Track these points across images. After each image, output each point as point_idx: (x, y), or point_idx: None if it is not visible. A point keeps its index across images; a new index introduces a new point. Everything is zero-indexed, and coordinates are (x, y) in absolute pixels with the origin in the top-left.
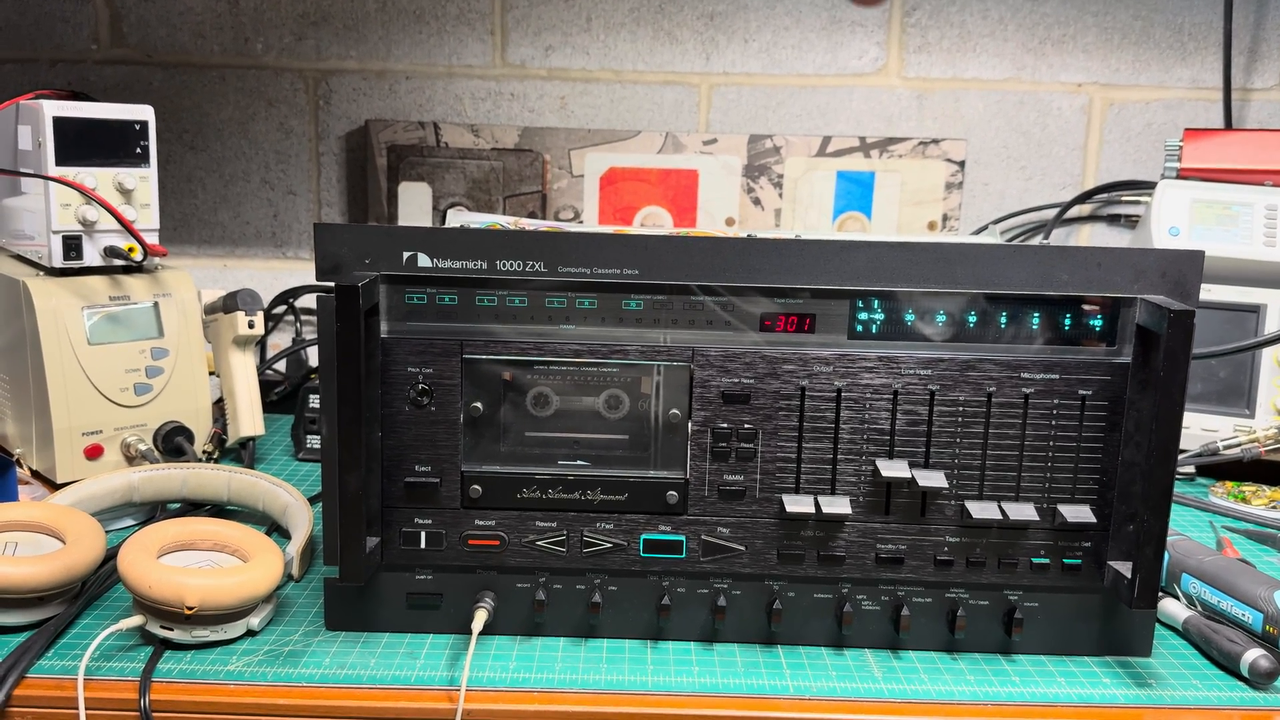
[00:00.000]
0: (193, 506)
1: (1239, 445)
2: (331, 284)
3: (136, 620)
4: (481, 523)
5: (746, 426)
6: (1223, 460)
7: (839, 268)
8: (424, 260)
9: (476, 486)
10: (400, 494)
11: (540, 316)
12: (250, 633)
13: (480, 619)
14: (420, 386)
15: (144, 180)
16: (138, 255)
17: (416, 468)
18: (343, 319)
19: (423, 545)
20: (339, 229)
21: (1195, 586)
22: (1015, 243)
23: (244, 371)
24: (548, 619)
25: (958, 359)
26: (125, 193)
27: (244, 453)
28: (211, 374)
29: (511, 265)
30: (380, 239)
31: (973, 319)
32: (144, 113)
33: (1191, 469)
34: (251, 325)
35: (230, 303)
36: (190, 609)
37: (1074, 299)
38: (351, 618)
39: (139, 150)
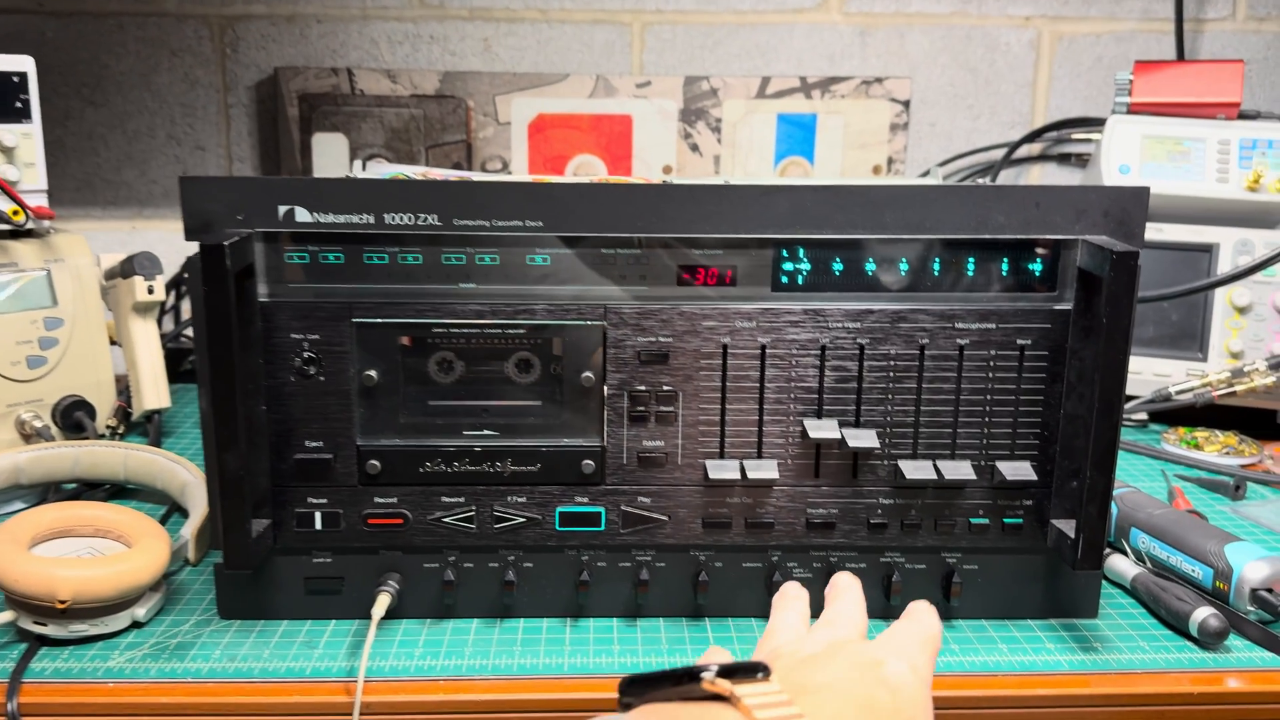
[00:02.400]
0: (89, 487)
1: (1191, 390)
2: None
3: (7, 616)
4: (382, 500)
5: (665, 388)
6: (1175, 406)
7: (760, 215)
8: (303, 215)
9: (374, 462)
10: (291, 472)
11: (437, 275)
12: (136, 624)
13: (382, 603)
14: (306, 355)
15: (26, 137)
16: (21, 219)
17: (307, 443)
18: (210, 282)
19: (319, 526)
20: (207, 182)
21: (1144, 541)
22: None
23: (146, 340)
24: (458, 600)
25: (888, 310)
26: (5, 151)
27: (150, 427)
28: (115, 344)
29: (402, 219)
30: (253, 192)
31: (904, 267)
32: (22, 63)
33: (1144, 415)
34: (151, 290)
35: (128, 267)
36: (63, 602)
37: (1011, 242)
38: (246, 605)
39: (19, 104)
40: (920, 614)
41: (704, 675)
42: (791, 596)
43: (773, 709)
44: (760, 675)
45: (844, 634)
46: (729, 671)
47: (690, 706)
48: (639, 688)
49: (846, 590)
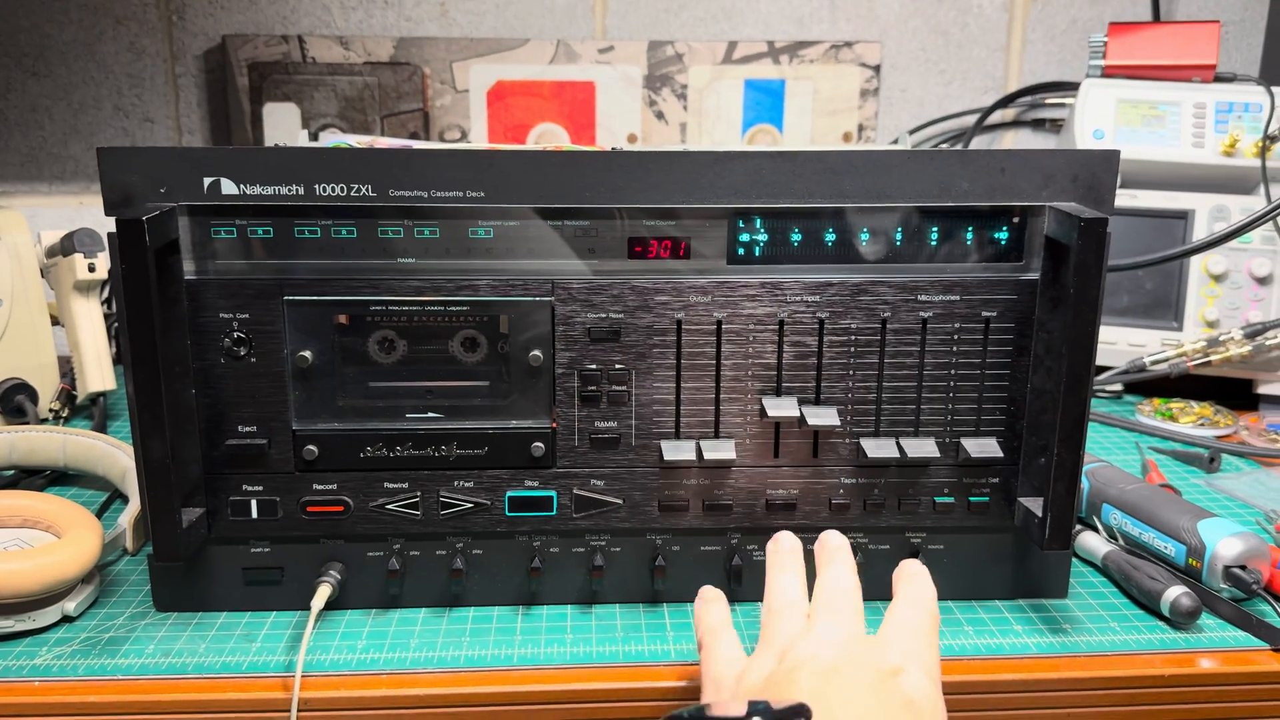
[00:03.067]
0: (28, 474)
1: (1166, 360)
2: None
3: None
4: (321, 487)
5: (618, 367)
6: (1150, 376)
7: (714, 183)
8: (229, 187)
9: (311, 447)
10: (224, 459)
11: (373, 249)
12: (67, 619)
13: (322, 594)
14: (235, 335)
15: None
16: None
17: (240, 428)
18: (128, 260)
19: (255, 515)
20: (127, 152)
21: (1116, 517)
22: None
23: (89, 320)
24: (405, 590)
25: (848, 282)
26: None
27: (95, 410)
28: (57, 324)
29: (333, 189)
30: (176, 163)
31: (864, 236)
32: None
33: (1118, 386)
34: (92, 269)
35: (68, 244)
36: None
37: (976, 210)
38: (182, 597)
39: None
40: (919, 592)
41: None
42: (786, 551)
43: None
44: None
45: (848, 627)
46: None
47: None
48: None
49: (837, 551)
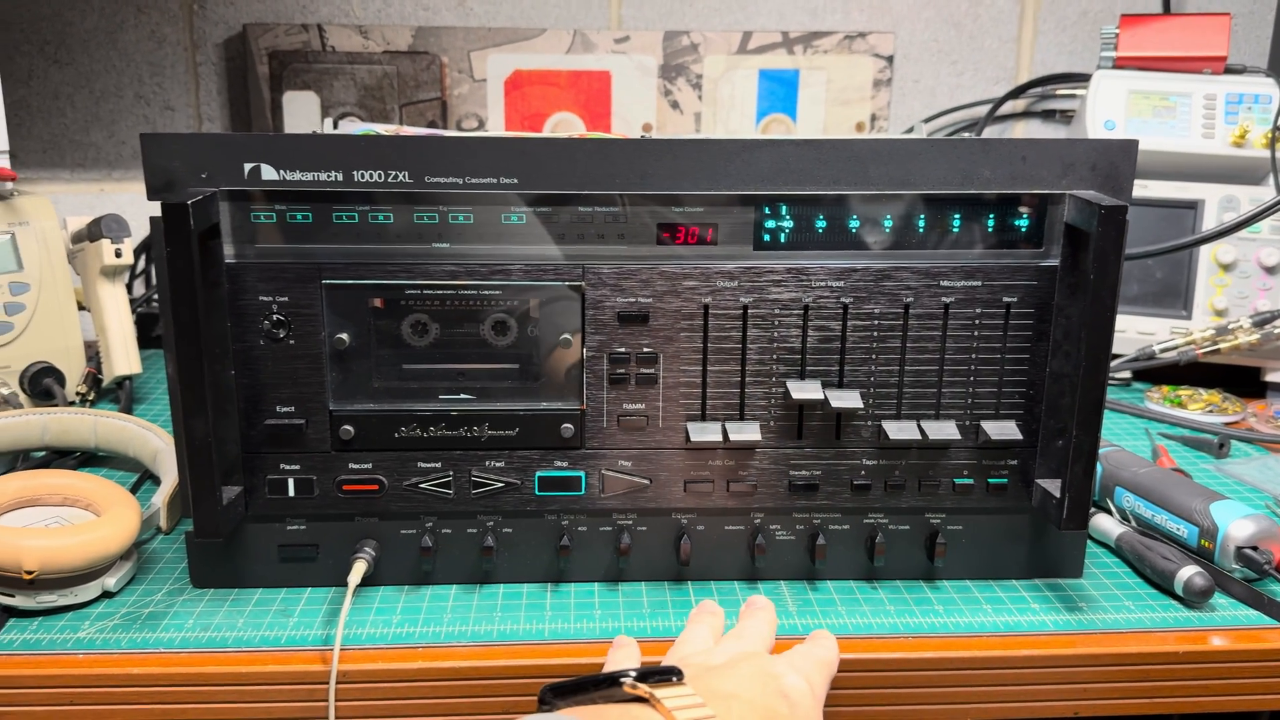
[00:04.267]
0: (59, 455)
1: (1175, 348)
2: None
3: None
4: (356, 466)
5: (646, 350)
6: (1160, 364)
7: (741, 171)
8: (269, 172)
9: (348, 427)
10: (263, 438)
11: (409, 234)
12: (107, 594)
13: (358, 570)
14: (275, 317)
15: None
16: None
17: (278, 409)
18: (173, 243)
19: (292, 493)
20: (170, 138)
21: (1129, 500)
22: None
23: (115, 304)
24: (437, 566)
25: (872, 268)
26: None
27: (120, 393)
28: (83, 309)
29: (371, 176)
30: (217, 149)
31: (888, 223)
32: None
33: (1128, 374)
34: (119, 254)
35: (95, 230)
36: (30, 573)
37: (997, 197)
38: (219, 573)
39: None
40: (821, 639)
41: (624, 679)
42: (707, 612)
43: (689, 710)
44: (675, 679)
45: (749, 647)
46: (645, 675)
47: (614, 707)
48: (561, 693)
49: (760, 610)
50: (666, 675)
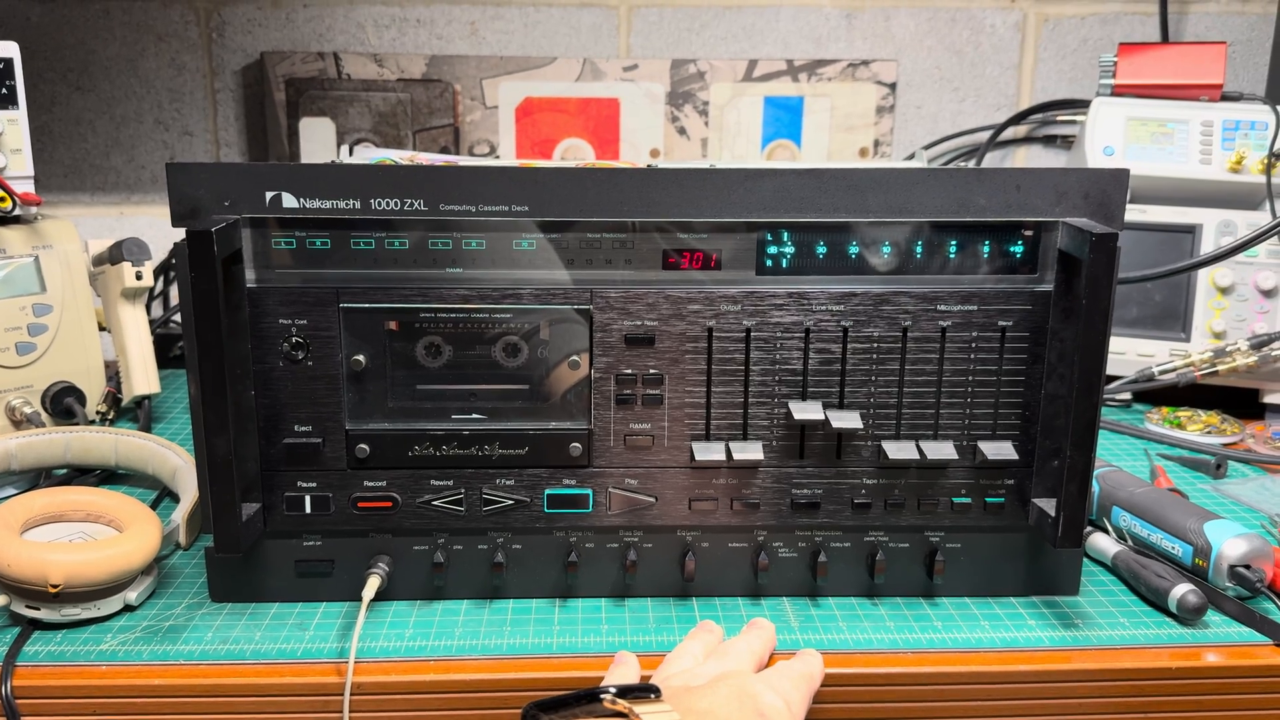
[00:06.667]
0: (80, 472)
1: (1174, 370)
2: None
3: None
4: (371, 484)
5: (652, 371)
6: (1159, 386)
7: (744, 199)
8: (289, 200)
9: (363, 446)
10: (281, 456)
11: (424, 260)
12: (128, 608)
13: (372, 585)
14: (294, 339)
15: (12, 123)
16: (8, 206)
17: (296, 428)
18: (197, 268)
19: (308, 510)
20: (194, 168)
21: (1125, 519)
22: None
23: (135, 326)
24: (448, 582)
25: (871, 292)
26: None
27: (139, 412)
28: (104, 330)
29: (388, 204)
30: (240, 178)
31: (886, 249)
32: (8, 49)
33: (1128, 395)
34: (139, 276)
35: (116, 253)
36: (55, 587)
37: (992, 225)
38: (237, 588)
39: (4, 90)
40: (804, 655)
41: (604, 696)
42: (704, 629)
43: None
44: (653, 696)
45: (733, 667)
46: (624, 692)
47: None
48: (544, 709)
49: (753, 628)
50: (645, 693)
